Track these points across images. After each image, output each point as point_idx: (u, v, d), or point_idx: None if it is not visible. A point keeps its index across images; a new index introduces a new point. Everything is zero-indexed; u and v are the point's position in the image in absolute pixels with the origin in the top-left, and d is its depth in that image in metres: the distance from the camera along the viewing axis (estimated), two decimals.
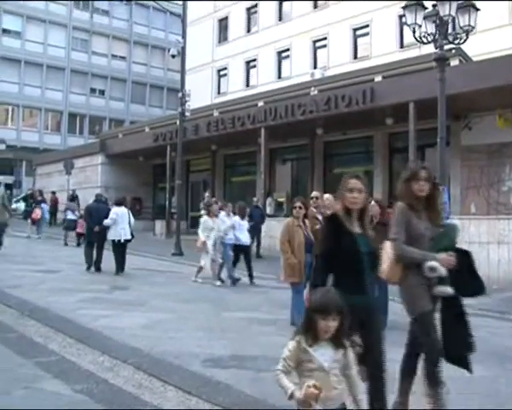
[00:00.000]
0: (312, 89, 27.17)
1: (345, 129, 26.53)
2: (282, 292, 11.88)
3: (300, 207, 9.76)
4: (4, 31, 53.01)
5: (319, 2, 37.63)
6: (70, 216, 26.26)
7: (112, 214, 16.68)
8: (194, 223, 34.52)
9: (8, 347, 7.57)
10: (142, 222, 32.59)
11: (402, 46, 32.58)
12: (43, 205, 29.42)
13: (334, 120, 25.04)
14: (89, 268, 16.83)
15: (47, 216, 30.99)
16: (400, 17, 31.78)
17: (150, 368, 6.69)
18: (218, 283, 15.05)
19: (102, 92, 57.66)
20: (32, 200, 32.14)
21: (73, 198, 32.43)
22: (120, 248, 16.60)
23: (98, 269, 16.78)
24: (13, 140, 49.38)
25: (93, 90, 57.17)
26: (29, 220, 28.84)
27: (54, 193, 36.84)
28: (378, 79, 24.24)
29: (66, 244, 25.46)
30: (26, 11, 53.37)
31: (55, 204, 36.46)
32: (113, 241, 16.59)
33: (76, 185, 37.26)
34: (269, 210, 26.89)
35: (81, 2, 56.76)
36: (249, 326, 9.62)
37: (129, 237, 16.77)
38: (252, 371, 6.79)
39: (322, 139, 28.62)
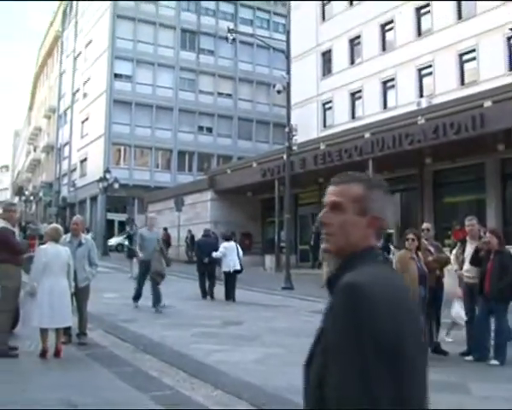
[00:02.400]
0: (419, 118, 26.76)
1: (454, 157, 25.97)
2: None
3: (413, 239, 9.60)
4: (116, 75, 55.19)
5: (423, 30, 37.20)
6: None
7: (221, 248, 18.39)
8: (304, 256, 34.65)
9: (124, 381, 7.78)
10: (251, 257, 32.82)
11: (511, 69, 31.65)
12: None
13: (443, 149, 24.57)
14: (204, 297, 18.42)
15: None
16: (508, 39, 31.07)
17: (265, 403, 6.71)
18: None
19: (210, 130, 58.87)
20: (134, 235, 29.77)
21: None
22: (231, 279, 18.10)
23: (212, 296, 18.32)
24: (125, 179, 50.98)
25: (201, 128, 58.45)
26: (134, 260, 26.99)
27: (165, 229, 37.54)
28: (487, 104, 23.60)
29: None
30: (136, 56, 55.48)
31: (167, 240, 37.15)
32: (224, 272, 18.21)
33: (186, 221, 38.10)
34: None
35: (187, 44, 58.46)
36: None
37: (238, 267, 18.20)
38: None
39: (431, 168, 28.12)
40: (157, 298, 15.10)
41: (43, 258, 9.22)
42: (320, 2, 45.74)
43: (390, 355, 1.78)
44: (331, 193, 2.18)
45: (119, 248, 44.47)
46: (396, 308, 1.86)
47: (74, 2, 70.03)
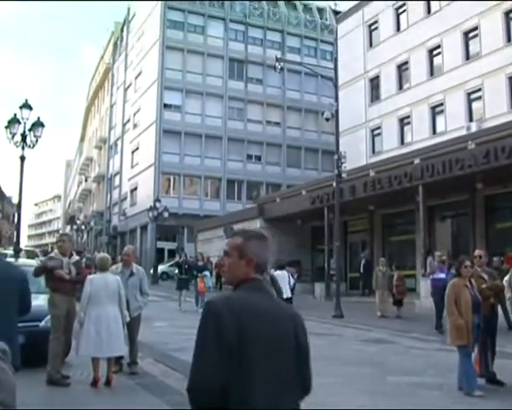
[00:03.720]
0: (469, 142, 26.44)
1: (507, 181, 25.54)
2: (447, 354, 11.47)
3: (471, 266, 9.45)
4: (165, 105, 55.97)
5: (471, 54, 36.88)
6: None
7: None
8: (354, 284, 34.40)
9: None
10: (301, 285, 32.65)
11: None
12: (205, 273, 25.14)
13: (495, 173, 24.19)
14: None
15: (211, 285, 26.18)
16: None
17: None
18: None
19: (259, 158, 59.10)
20: (187, 266, 26.17)
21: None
22: None
23: None
24: (175, 208, 51.38)
25: (249, 157, 58.72)
26: (184, 291, 25.10)
27: (219, 257, 37.49)
28: None
29: None
30: (184, 86, 56.21)
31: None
32: None
33: None
34: (429, 269, 26.19)
35: (235, 73, 59.01)
36: (414, 391, 9.35)
37: (289, 295, 18.80)
38: None
39: (483, 193, 27.70)
40: None
41: (89, 288, 9.39)
42: (367, 28, 45.80)
43: (232, 348, 2.77)
44: (225, 245, 3.23)
45: (163, 276, 44.76)
46: (237, 316, 2.81)
47: (124, 35, 71.48)
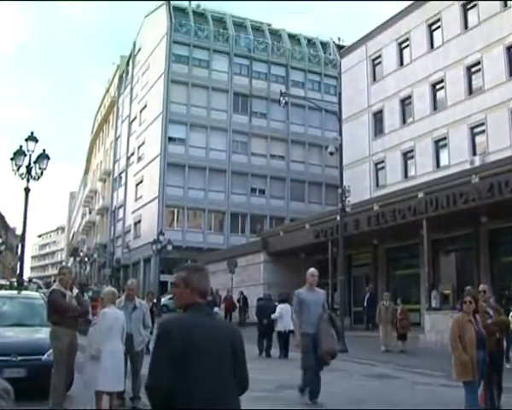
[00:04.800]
0: (473, 176, 26.48)
1: (511, 215, 25.53)
2: (452, 390, 11.35)
3: (471, 302, 9.38)
4: (170, 139, 56.20)
5: (474, 88, 37.04)
6: None
7: (278, 309, 20.36)
8: (358, 318, 34.22)
9: None
10: None
11: None
12: (215, 309, 24.01)
13: (499, 207, 24.20)
14: (260, 354, 20.20)
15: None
16: None
17: None
18: None
19: (262, 191, 59.16)
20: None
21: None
22: (284, 338, 19.85)
23: (268, 355, 20.08)
24: (178, 241, 51.39)
25: (253, 190, 58.79)
26: None
27: (228, 292, 37.09)
28: None
29: None
30: (189, 119, 56.51)
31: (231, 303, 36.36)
32: (279, 332, 20.11)
33: (239, 283, 38.08)
34: (434, 303, 26.09)
35: (240, 107, 59.32)
36: None
37: (292, 327, 18.55)
38: None
39: (487, 227, 27.67)
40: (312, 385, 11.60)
41: (107, 321, 9.32)
42: (371, 63, 46.09)
43: (179, 356, 3.60)
44: (174, 277, 4.18)
45: (163, 309, 44.65)
46: (183, 332, 3.71)
47: (130, 69, 72.07)
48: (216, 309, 24.21)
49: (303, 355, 11.44)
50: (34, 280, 55.28)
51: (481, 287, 10.94)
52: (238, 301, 37.43)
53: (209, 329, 3.85)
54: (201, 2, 63.25)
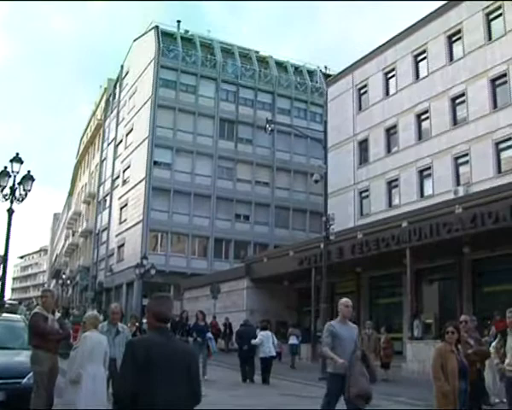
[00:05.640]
0: (457, 206, 26.66)
1: (493, 246, 25.73)
2: None
3: (453, 332, 9.40)
4: (155, 163, 56.11)
5: (459, 119, 37.38)
6: (293, 341, 28.77)
7: (259, 336, 20.88)
8: None
9: None
10: (287, 345, 32.46)
11: None
12: (209, 335, 21.97)
13: (482, 238, 24.40)
14: (244, 380, 20.22)
15: (216, 349, 24.00)
16: None
17: None
18: None
19: (247, 217, 59.12)
20: (183, 327, 22.69)
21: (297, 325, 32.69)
22: (265, 363, 20.37)
23: (252, 380, 20.20)
24: (162, 265, 51.12)
25: (238, 216, 58.74)
26: None
27: (214, 317, 36.67)
28: None
29: (293, 367, 27.62)
30: (175, 144, 56.50)
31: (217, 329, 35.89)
32: (261, 358, 20.50)
33: (222, 309, 37.97)
34: (416, 333, 26.14)
35: (226, 133, 59.46)
36: None
37: (274, 353, 20.82)
38: None
39: (470, 257, 27.84)
40: None
41: (89, 345, 9.24)
42: (357, 92, 46.45)
43: (140, 369, 4.47)
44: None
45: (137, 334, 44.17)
46: (145, 349, 4.61)
47: (117, 92, 72.15)
48: (209, 335, 22.18)
49: (325, 398, 10.18)
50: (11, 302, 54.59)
51: (462, 317, 11.00)
52: (224, 326, 37.20)
53: (167, 348, 4.73)
54: (190, 28, 63.72)
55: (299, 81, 64.26)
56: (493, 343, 12.29)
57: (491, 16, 35.77)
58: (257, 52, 65.20)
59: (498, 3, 35.01)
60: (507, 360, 10.11)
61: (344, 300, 10.17)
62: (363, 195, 44.70)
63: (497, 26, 35.39)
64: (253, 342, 20.70)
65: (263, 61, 64.28)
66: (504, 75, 34.32)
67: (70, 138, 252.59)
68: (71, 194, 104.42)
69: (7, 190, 22.25)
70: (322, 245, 26.88)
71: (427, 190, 38.82)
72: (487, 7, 35.70)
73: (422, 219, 27.17)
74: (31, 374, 9.81)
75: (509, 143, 33.83)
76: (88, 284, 71.01)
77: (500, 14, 35.10)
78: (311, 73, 66.30)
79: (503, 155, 34.48)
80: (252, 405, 14.76)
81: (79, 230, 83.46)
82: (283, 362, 29.39)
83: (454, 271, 28.55)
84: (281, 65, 64.92)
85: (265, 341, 20.65)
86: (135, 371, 4.49)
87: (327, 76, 60.21)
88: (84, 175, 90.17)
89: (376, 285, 34.81)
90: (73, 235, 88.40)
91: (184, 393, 4.67)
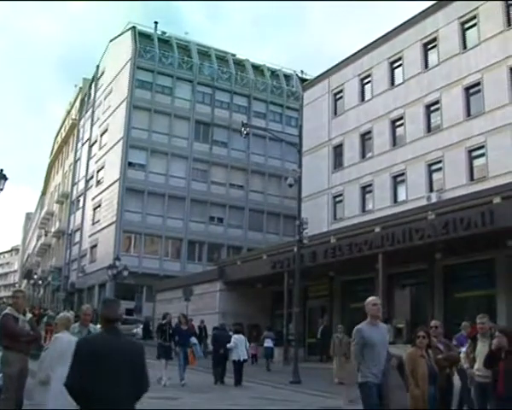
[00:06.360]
0: (429, 213, 26.93)
1: (465, 252, 25.97)
2: None
3: (424, 337, 9.48)
4: (130, 164, 55.87)
5: (433, 127, 37.69)
6: (268, 344, 28.99)
7: (233, 339, 21.21)
8: (312, 350, 34.26)
9: None
10: (260, 349, 32.47)
11: None
12: (193, 341, 21.46)
13: (454, 244, 24.65)
14: (216, 382, 20.70)
15: (201, 354, 23.35)
16: None
17: None
18: None
19: (221, 220, 59.09)
20: (172, 331, 20.57)
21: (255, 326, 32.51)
22: (238, 366, 20.67)
23: (222, 382, 20.79)
24: (135, 267, 50.90)
25: (212, 218, 58.67)
26: (164, 361, 19.81)
27: (190, 320, 35.72)
28: (497, 200, 23.75)
29: (268, 370, 27.88)
30: (150, 145, 56.31)
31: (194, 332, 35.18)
32: (234, 361, 20.74)
33: (194, 312, 37.83)
34: (387, 337, 26.25)
35: (201, 135, 59.36)
36: None
37: (246, 357, 21.29)
38: None
39: (442, 263, 28.09)
40: None
41: (59, 347, 9.14)
42: (332, 97, 46.63)
43: (87, 363, 5.09)
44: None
45: None
46: (90, 345, 5.29)
47: (92, 92, 71.74)
48: (193, 340, 21.53)
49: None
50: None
51: (433, 323, 11.07)
52: (199, 329, 36.92)
53: (111, 344, 5.26)
54: (167, 30, 63.65)
55: (276, 85, 64.42)
56: (463, 349, 12.41)
57: (467, 25, 36.14)
58: (234, 55, 65.27)
59: (474, 13, 35.40)
60: (476, 366, 10.21)
61: (371, 298, 9.07)
62: (337, 199, 44.85)
63: (472, 35, 35.77)
64: (229, 345, 21.07)
65: (239, 64, 64.37)
66: (478, 84, 34.68)
67: (44, 137, 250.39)
68: (44, 193, 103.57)
69: None
70: (295, 249, 26.88)
71: (401, 196, 39.07)
72: (463, 16, 36.08)
73: (395, 225, 27.38)
74: (0, 375, 9.70)
75: (481, 150, 34.17)
76: (60, 284, 70.53)
77: (475, 24, 35.49)
78: (287, 77, 66.52)
79: (476, 162, 34.81)
80: (225, 408, 14.75)
81: (52, 230, 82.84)
82: (260, 364, 29.51)
83: (426, 276, 28.75)
84: (257, 68, 65.04)
85: (239, 344, 21.07)
86: (80, 367, 5.10)
87: (303, 80, 60.45)
88: (57, 175, 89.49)
89: (349, 289, 34.92)
90: (46, 235, 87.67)
91: (127, 384, 5.18)
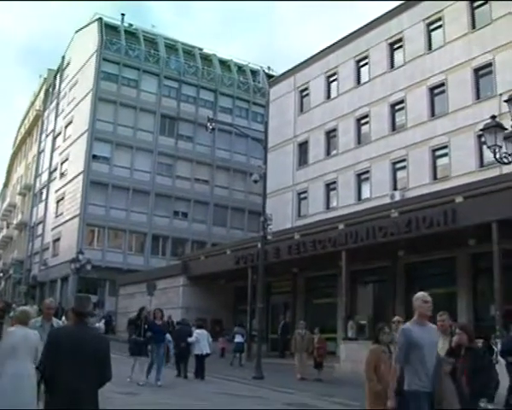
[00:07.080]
0: (393, 211, 27.20)
1: (427, 250, 26.28)
2: None
3: (388, 333, 9.60)
4: (94, 156, 55.34)
5: (397, 125, 38.01)
6: (239, 339, 28.93)
7: (194, 334, 21.77)
8: (275, 346, 34.39)
9: None
10: (228, 343, 32.50)
11: (482, 165, 32.10)
12: (168, 338, 20.75)
13: (416, 242, 24.91)
14: (178, 375, 21.02)
15: (172, 352, 23.27)
16: (479, 137, 31.70)
17: None
18: None
19: (185, 215, 58.87)
20: (147, 326, 18.75)
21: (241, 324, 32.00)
22: (201, 360, 21.04)
23: (185, 376, 20.84)
24: (98, 260, 50.51)
25: (176, 213, 58.42)
26: (139, 358, 18.43)
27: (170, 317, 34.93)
28: (459, 199, 24.06)
29: (241, 365, 28.17)
30: (115, 138, 55.84)
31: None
32: (196, 355, 21.19)
33: (157, 306, 37.58)
34: (350, 333, 26.52)
35: (166, 129, 59.06)
36: None
37: (208, 351, 21.48)
38: None
39: (404, 261, 28.40)
40: None
41: (10, 341, 8.93)
42: (298, 94, 46.79)
43: (53, 353, 5.84)
44: None
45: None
46: (56, 336, 6.12)
47: (57, 83, 70.90)
48: (169, 337, 20.83)
49: None
50: None
51: (395, 318, 11.23)
52: (168, 324, 36.72)
53: (76, 335, 5.91)
54: (134, 23, 63.18)
55: (242, 80, 64.35)
56: None
57: (432, 27, 36.53)
58: (201, 49, 65.01)
59: (439, 15, 35.80)
60: None
61: (421, 294, 7.96)
62: (302, 196, 45.02)
63: (437, 36, 36.17)
64: (190, 339, 21.43)
65: (206, 58, 64.14)
66: (442, 85, 35.09)
67: (6, 128, 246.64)
68: (6, 185, 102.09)
69: None
70: (259, 245, 26.94)
71: (365, 194, 39.35)
72: (428, 17, 36.46)
73: (359, 222, 27.59)
74: None
75: (445, 150, 34.57)
76: (21, 277, 69.69)
77: (440, 26, 35.88)
78: (254, 72, 66.49)
79: (439, 162, 35.23)
80: (187, 405, 14.73)
81: (14, 222, 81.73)
82: (227, 358, 29.62)
83: (388, 273, 29.01)
84: (224, 63, 64.86)
85: (201, 339, 21.42)
86: (50, 355, 5.83)
87: (270, 76, 60.54)
88: (20, 166, 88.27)
89: (312, 286, 35.13)
90: (8, 227, 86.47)
91: (92, 375, 5.83)
